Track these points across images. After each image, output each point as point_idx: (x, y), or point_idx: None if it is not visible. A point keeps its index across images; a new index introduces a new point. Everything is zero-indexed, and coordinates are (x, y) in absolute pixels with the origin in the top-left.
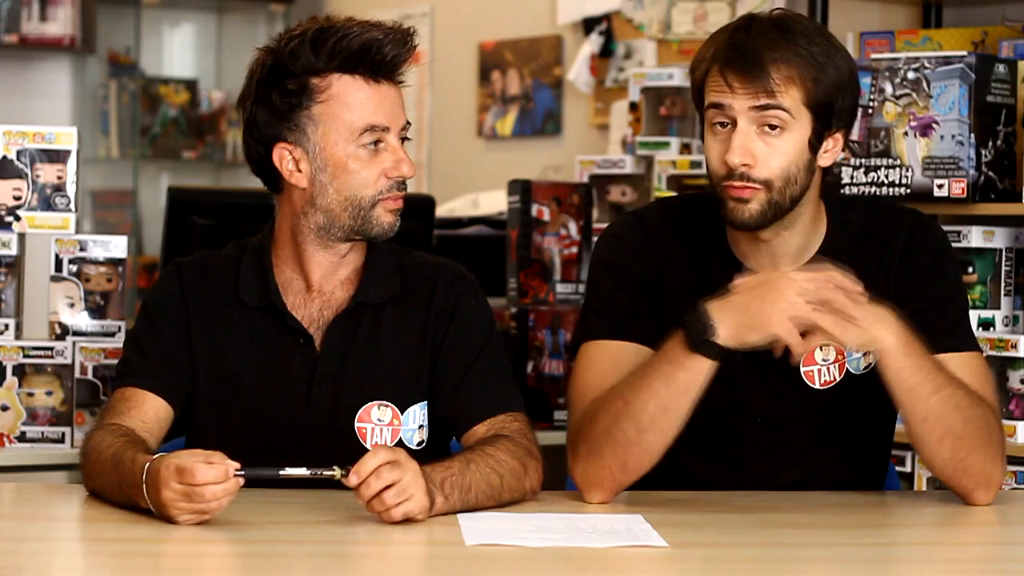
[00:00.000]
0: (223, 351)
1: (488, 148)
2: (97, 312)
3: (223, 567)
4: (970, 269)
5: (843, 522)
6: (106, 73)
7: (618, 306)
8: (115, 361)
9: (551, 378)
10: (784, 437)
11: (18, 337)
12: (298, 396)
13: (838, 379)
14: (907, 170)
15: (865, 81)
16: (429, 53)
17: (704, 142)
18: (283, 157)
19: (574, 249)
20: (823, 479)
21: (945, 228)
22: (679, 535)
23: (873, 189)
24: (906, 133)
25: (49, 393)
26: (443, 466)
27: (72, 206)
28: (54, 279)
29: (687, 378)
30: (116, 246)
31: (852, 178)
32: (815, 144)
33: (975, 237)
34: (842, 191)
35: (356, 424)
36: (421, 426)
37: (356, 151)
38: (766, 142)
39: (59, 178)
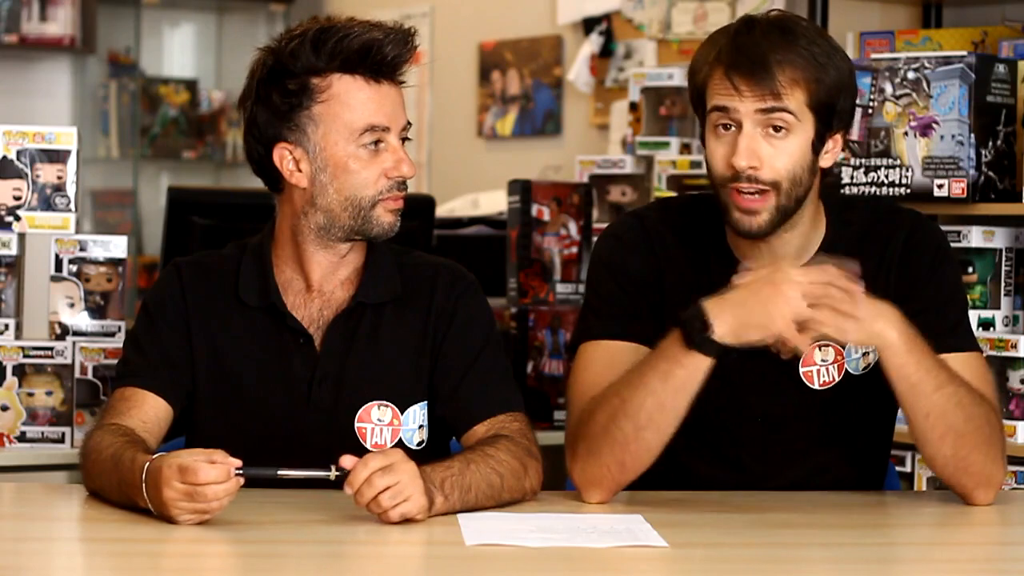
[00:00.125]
0: (223, 351)
1: (488, 148)
2: (97, 312)
3: (223, 567)
4: (970, 269)
5: (843, 522)
6: (106, 73)
7: (617, 306)
8: (115, 361)
9: (551, 378)
10: (784, 437)
11: (18, 337)
12: (298, 396)
13: (837, 379)
14: (907, 170)
15: (865, 81)
16: (429, 53)
17: (706, 145)
18: (283, 157)
19: (574, 249)
20: (823, 479)
21: (945, 228)
22: (679, 535)
23: (873, 189)
24: (906, 133)
25: (49, 393)
26: (443, 466)
27: (72, 206)
28: (54, 279)
29: (685, 376)
30: (116, 246)
31: (852, 178)
32: (817, 145)
33: (975, 237)
34: (842, 191)
35: (356, 424)
36: (421, 426)
37: (356, 151)
38: (771, 144)
39: (59, 178)
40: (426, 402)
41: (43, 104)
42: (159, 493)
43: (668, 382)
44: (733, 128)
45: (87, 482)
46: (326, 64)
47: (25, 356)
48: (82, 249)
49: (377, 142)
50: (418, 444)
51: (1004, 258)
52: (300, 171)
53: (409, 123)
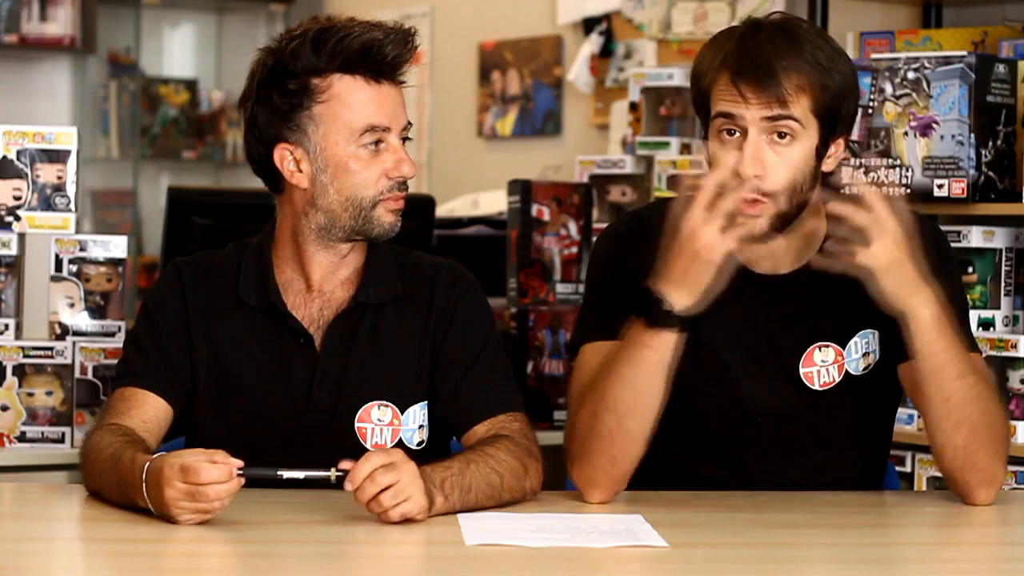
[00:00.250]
0: (223, 351)
1: (488, 148)
2: (97, 312)
3: (223, 567)
4: (970, 269)
5: (843, 522)
6: (106, 73)
7: (617, 306)
8: (115, 361)
9: (551, 378)
10: (784, 437)
11: (18, 337)
12: (298, 396)
13: (837, 380)
14: (907, 170)
15: (865, 81)
16: (429, 53)
17: (709, 150)
18: (284, 157)
19: (574, 249)
20: (823, 479)
21: (945, 228)
22: (679, 535)
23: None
24: (906, 133)
25: (49, 393)
26: (443, 466)
27: (72, 206)
28: (54, 279)
29: (655, 357)
30: (116, 246)
31: (852, 178)
32: (821, 152)
33: (975, 237)
34: (842, 191)
35: (356, 424)
36: (421, 426)
37: (357, 151)
38: (776, 151)
39: (59, 178)
40: (426, 402)
41: (43, 104)
42: (160, 493)
43: (641, 367)
44: (738, 134)
45: (87, 482)
46: (326, 64)
47: (25, 356)
48: (82, 249)
49: (377, 142)
50: (418, 444)
51: (1004, 258)
52: (300, 171)
53: (410, 123)
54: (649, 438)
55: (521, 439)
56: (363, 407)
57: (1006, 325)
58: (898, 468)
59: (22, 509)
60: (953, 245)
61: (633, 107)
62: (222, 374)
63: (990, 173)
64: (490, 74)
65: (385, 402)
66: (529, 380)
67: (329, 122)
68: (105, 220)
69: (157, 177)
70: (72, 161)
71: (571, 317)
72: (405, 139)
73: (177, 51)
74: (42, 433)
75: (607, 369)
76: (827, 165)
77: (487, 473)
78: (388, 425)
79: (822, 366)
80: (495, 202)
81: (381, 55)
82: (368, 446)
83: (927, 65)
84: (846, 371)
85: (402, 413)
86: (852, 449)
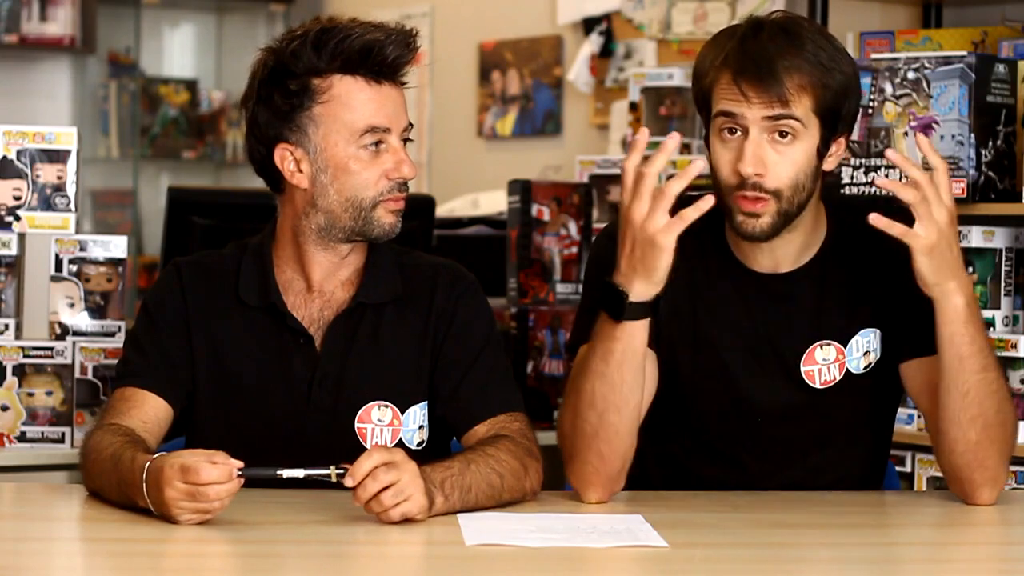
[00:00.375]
0: (223, 351)
1: (488, 148)
2: (97, 312)
3: (223, 567)
4: (970, 269)
5: (843, 522)
6: (106, 73)
7: None
8: (115, 361)
9: (551, 378)
10: (784, 436)
11: (18, 337)
12: (298, 396)
13: (838, 379)
14: None
15: (865, 81)
16: (429, 53)
17: (711, 149)
18: (284, 158)
19: (574, 249)
20: (823, 478)
21: None
22: (679, 535)
23: (873, 189)
24: (906, 133)
25: (49, 393)
26: (443, 466)
27: (72, 206)
28: (54, 279)
29: (622, 348)
30: (116, 246)
31: (852, 178)
32: (823, 151)
33: (975, 237)
34: (842, 191)
35: (356, 424)
36: (421, 426)
37: (357, 152)
38: (777, 150)
39: (59, 178)
40: (426, 402)
41: (43, 104)
42: (160, 493)
43: (610, 360)
44: (739, 133)
45: (87, 482)
46: (327, 65)
47: (25, 356)
48: (82, 249)
49: (378, 143)
50: (418, 444)
51: (1004, 258)
52: (301, 172)
53: (410, 124)
54: (635, 432)
55: (521, 439)
56: (363, 407)
57: (1006, 325)
58: (898, 468)
59: (22, 509)
60: None
61: (633, 107)
62: (222, 374)
63: (990, 173)
64: (490, 74)
65: (385, 402)
66: (529, 380)
67: (329, 123)
68: (105, 220)
69: (157, 177)
70: (72, 161)
71: (571, 317)
72: (406, 140)
73: (177, 51)
74: (42, 433)
75: (583, 367)
76: (828, 164)
77: (487, 473)
78: (388, 425)
79: (823, 365)
80: (495, 202)
81: (382, 56)
82: (368, 446)
83: (927, 65)
84: (847, 370)
85: (402, 413)
86: (852, 448)
